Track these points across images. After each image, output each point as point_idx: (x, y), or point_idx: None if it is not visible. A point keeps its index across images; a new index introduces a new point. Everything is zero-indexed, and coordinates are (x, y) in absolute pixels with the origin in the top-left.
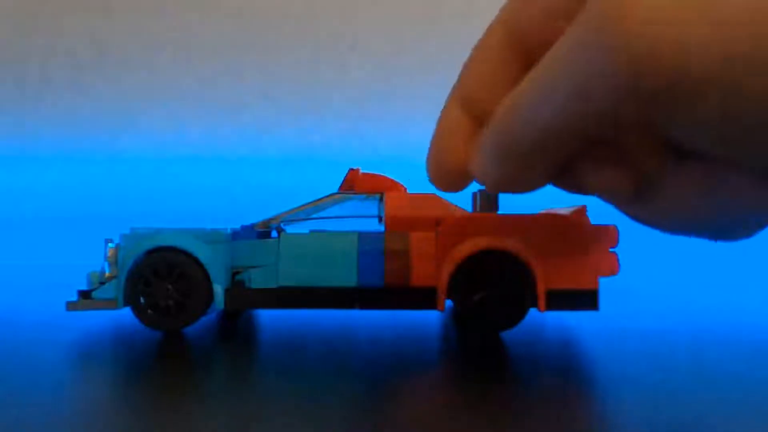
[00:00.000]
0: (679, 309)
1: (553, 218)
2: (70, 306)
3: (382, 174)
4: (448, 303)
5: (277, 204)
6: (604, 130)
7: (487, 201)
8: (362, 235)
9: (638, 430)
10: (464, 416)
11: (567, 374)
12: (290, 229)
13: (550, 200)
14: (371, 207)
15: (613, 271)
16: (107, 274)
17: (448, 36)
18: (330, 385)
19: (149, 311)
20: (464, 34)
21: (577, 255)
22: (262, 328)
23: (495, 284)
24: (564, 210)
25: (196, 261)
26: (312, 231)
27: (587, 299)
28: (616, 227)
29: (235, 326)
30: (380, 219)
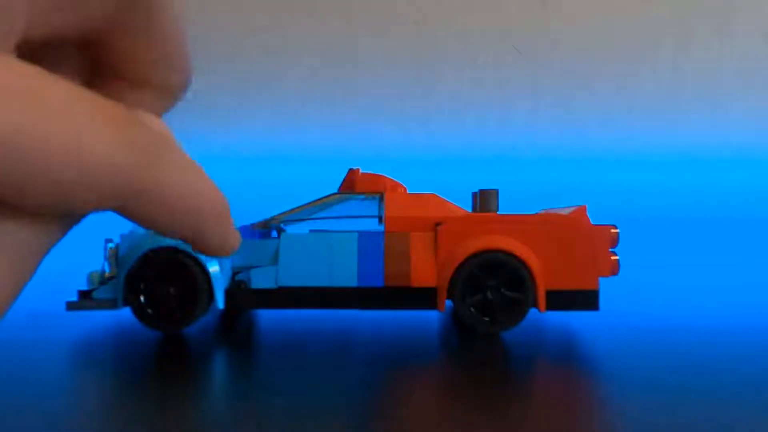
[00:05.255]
0: (679, 309)
1: (553, 218)
2: (70, 306)
3: (382, 174)
4: (448, 303)
5: (277, 204)
6: None
7: (487, 201)
8: (362, 235)
9: (639, 429)
10: (464, 416)
11: (567, 374)
12: (290, 229)
13: (550, 200)
14: (371, 207)
15: (613, 271)
16: (107, 274)
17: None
18: (330, 385)
19: (149, 311)
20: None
21: (577, 255)
22: (262, 328)
23: (495, 285)
24: (564, 210)
25: (196, 261)
26: (312, 231)
27: (587, 299)
28: (616, 227)
29: (235, 326)
30: (380, 219)
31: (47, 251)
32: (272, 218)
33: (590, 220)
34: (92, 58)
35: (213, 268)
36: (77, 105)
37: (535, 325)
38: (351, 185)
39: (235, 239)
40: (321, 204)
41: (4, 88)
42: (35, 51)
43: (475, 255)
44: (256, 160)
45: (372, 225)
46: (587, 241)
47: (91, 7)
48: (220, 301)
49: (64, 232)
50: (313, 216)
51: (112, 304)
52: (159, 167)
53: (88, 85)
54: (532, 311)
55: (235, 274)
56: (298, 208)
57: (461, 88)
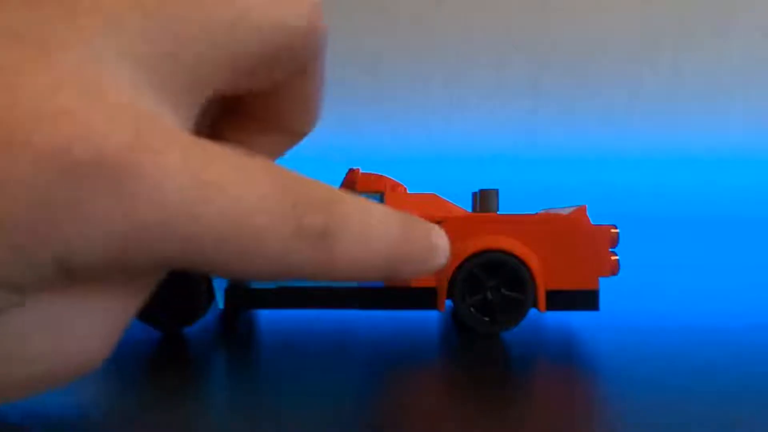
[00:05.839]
0: (680, 309)
1: (553, 218)
2: None
3: (382, 174)
4: (448, 303)
5: None
6: None
7: (487, 201)
8: None
9: (639, 429)
10: (464, 416)
11: (567, 375)
12: None
13: (550, 200)
14: None
15: (613, 272)
16: None
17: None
18: (330, 386)
19: (149, 311)
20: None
21: (577, 255)
22: (262, 328)
23: (495, 285)
24: (564, 210)
25: None
26: None
27: (588, 299)
28: (616, 227)
29: (235, 326)
30: None
31: (138, 307)
32: None
33: (590, 220)
34: (229, 99)
35: None
36: (274, 193)
37: (535, 325)
38: (351, 185)
39: (440, 257)
40: None
41: (218, 182)
42: None
43: (475, 255)
44: None
45: None
46: (587, 241)
47: (273, 75)
48: (220, 301)
49: (150, 290)
50: None
51: None
52: (334, 252)
53: (217, 123)
54: (532, 311)
55: None
56: None
57: (461, 88)
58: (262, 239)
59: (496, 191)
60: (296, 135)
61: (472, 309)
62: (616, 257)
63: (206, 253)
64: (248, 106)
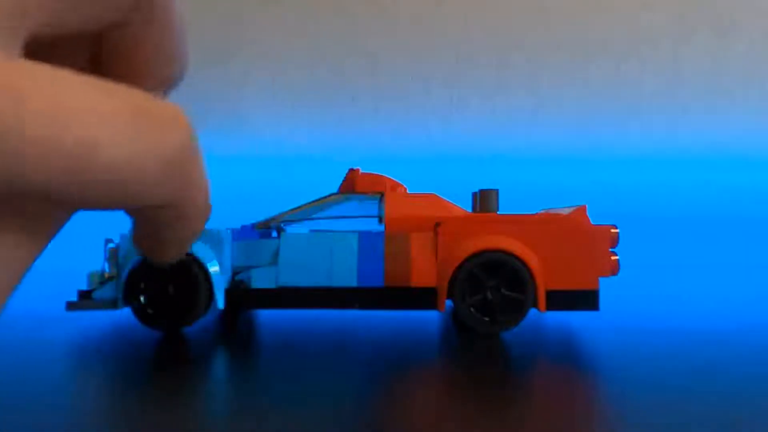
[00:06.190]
0: (679, 309)
1: (553, 218)
2: (70, 306)
3: (382, 174)
4: (448, 303)
5: (278, 204)
6: None
7: (487, 201)
8: (362, 236)
9: (638, 429)
10: (464, 416)
11: (567, 374)
12: (290, 229)
13: (550, 200)
14: (371, 207)
15: (613, 271)
16: (107, 274)
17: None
18: (330, 386)
19: (149, 311)
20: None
21: (577, 255)
22: (262, 328)
23: (495, 285)
24: (564, 210)
25: (197, 261)
26: (312, 231)
27: (587, 299)
28: (616, 227)
29: (235, 326)
30: (380, 219)
31: (32, 261)
32: (272, 218)
33: (590, 220)
34: (91, 51)
35: (213, 268)
36: (121, 111)
37: (535, 325)
38: (351, 185)
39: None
40: (321, 204)
41: (40, 96)
42: (42, 48)
43: (475, 255)
44: (256, 160)
45: (372, 225)
46: (587, 241)
47: (107, 5)
48: (220, 301)
49: (49, 240)
50: (313, 216)
51: (112, 304)
52: (187, 181)
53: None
54: (532, 311)
55: (235, 274)
56: (298, 208)
57: (461, 88)
58: (105, 148)
59: (496, 191)
60: (161, 83)
61: (472, 309)
62: (616, 257)
63: (19, 168)
64: (107, 51)
